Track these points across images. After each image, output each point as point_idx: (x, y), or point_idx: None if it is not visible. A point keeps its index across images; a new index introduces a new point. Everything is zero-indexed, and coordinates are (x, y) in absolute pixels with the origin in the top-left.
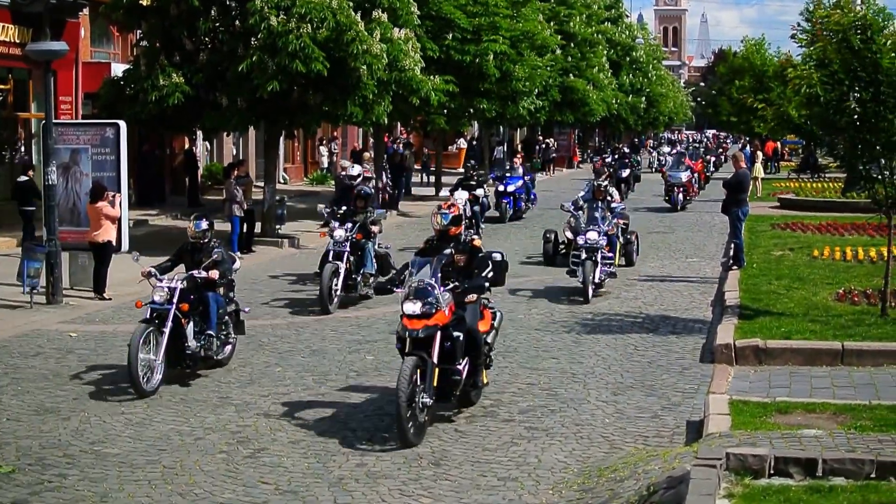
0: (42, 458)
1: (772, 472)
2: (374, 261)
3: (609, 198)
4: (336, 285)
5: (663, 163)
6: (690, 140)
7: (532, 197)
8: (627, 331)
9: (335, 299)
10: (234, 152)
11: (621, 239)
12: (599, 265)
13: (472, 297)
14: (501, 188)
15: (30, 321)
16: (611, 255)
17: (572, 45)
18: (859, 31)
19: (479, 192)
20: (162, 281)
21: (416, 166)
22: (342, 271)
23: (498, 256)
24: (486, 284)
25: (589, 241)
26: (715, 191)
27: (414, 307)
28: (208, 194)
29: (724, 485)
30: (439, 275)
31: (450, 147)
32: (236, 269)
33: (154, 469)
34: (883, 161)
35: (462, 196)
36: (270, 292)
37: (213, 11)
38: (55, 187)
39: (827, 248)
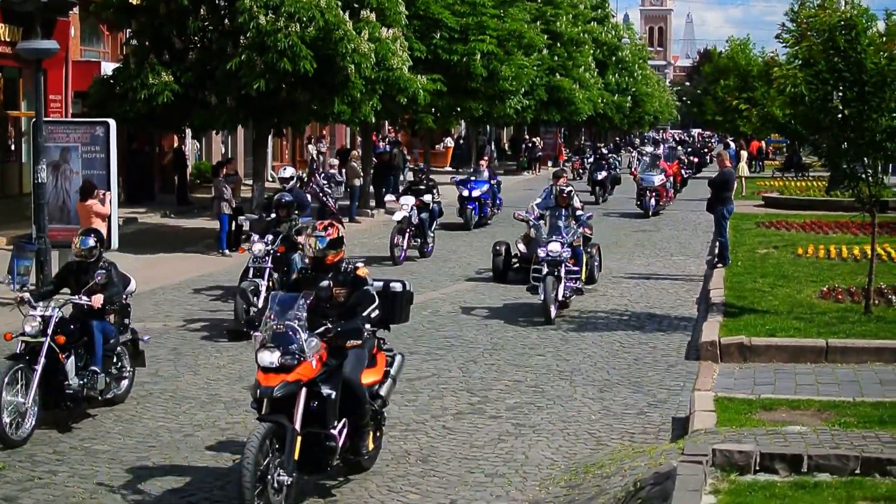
0: (32, 455)
1: (757, 468)
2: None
3: (573, 204)
4: (256, 305)
5: (635, 165)
6: (675, 139)
7: (498, 202)
8: (614, 328)
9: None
10: (223, 151)
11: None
12: (564, 281)
13: (354, 342)
14: (466, 193)
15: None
16: (576, 268)
17: (559, 44)
18: (845, 31)
19: (428, 197)
20: (35, 308)
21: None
22: (263, 290)
23: (398, 287)
24: (368, 326)
25: (551, 254)
26: (699, 190)
27: (271, 358)
28: (197, 192)
29: (710, 481)
30: (304, 314)
31: (437, 146)
32: (131, 292)
33: (143, 466)
34: (866, 160)
35: (408, 202)
36: None
37: (202, 10)
38: (45, 185)
39: (811, 246)
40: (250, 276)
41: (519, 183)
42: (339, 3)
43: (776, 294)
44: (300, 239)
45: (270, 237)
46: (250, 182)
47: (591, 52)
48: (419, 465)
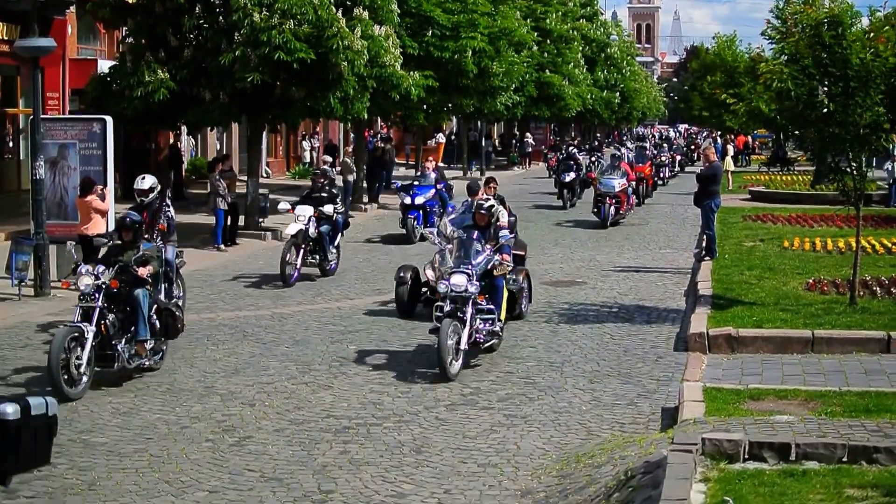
0: None
1: (746, 456)
2: (147, 321)
3: (497, 223)
4: (79, 360)
5: (593, 166)
6: (662, 136)
7: (449, 210)
8: (603, 320)
9: (81, 384)
10: (218, 147)
11: (510, 281)
12: (470, 324)
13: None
14: (408, 200)
15: (18, 313)
16: (490, 306)
17: (548, 41)
18: (830, 27)
19: (329, 208)
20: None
21: (397, 160)
22: (89, 338)
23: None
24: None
25: (454, 289)
26: (687, 184)
27: None
28: (193, 188)
29: (700, 469)
30: None
31: (429, 141)
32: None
33: (141, 457)
34: (851, 154)
35: (304, 213)
36: (253, 284)
37: (197, 8)
38: (43, 181)
39: (797, 238)
40: (76, 319)
41: (509, 178)
42: (332, 1)
43: (763, 286)
44: (143, 271)
45: (101, 268)
46: (245, 178)
47: (580, 48)
48: (413, 455)
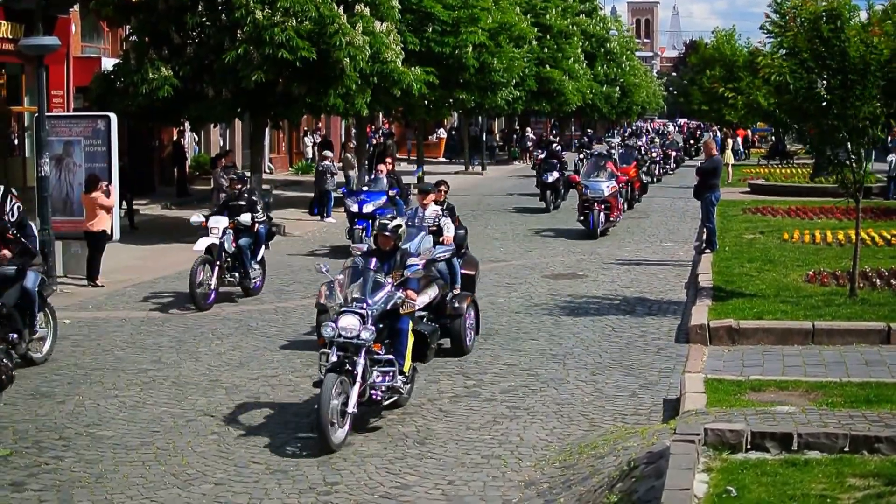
0: (38, 441)
1: (748, 446)
2: None
3: (403, 251)
4: None
5: (577, 167)
6: (658, 130)
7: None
8: (605, 313)
9: None
10: (221, 143)
11: (423, 321)
12: (362, 379)
13: None
14: (355, 208)
15: None
16: (390, 356)
17: (548, 36)
18: (829, 20)
19: (246, 217)
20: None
21: (398, 155)
22: None
23: None
24: None
25: (343, 334)
26: (687, 178)
27: None
28: (196, 184)
29: (702, 459)
30: None
31: (430, 137)
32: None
33: (148, 450)
34: (850, 146)
35: (218, 224)
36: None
37: (200, 6)
38: (48, 178)
39: (797, 231)
40: None
41: (507, 172)
42: None
43: (763, 278)
44: None
45: None
46: (248, 174)
47: (580, 43)
48: (417, 447)
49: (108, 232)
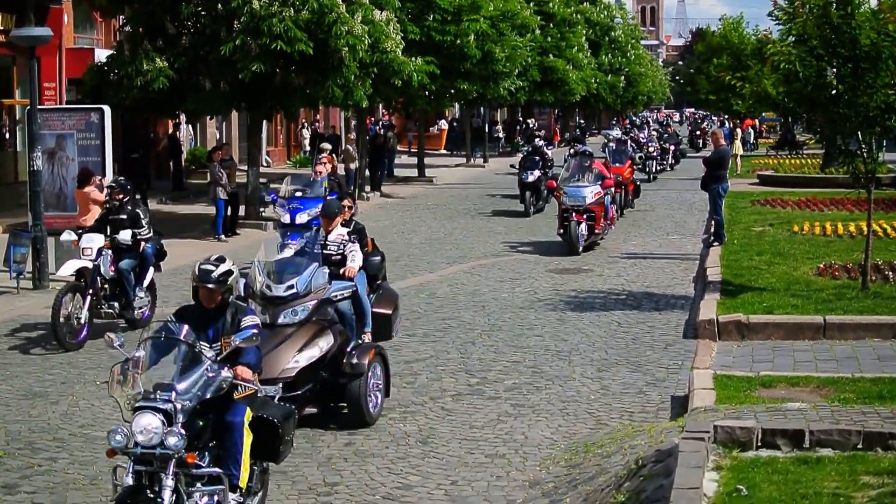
0: (32, 442)
1: (759, 444)
2: None
3: (231, 313)
4: None
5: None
6: (664, 121)
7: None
8: (611, 308)
9: None
10: (218, 136)
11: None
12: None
13: None
14: (286, 219)
15: (16, 306)
16: (216, 469)
17: (552, 25)
18: (839, 7)
19: (125, 234)
20: None
21: (399, 147)
22: None
23: None
24: None
25: (141, 441)
26: (694, 169)
27: None
28: (192, 178)
29: (712, 457)
30: None
31: (431, 128)
32: None
33: None
34: (861, 136)
35: (93, 244)
36: None
37: None
38: (41, 173)
39: (807, 223)
40: None
41: (505, 165)
42: None
43: (773, 271)
44: None
45: None
46: (245, 167)
47: (584, 32)
48: (419, 446)
49: None
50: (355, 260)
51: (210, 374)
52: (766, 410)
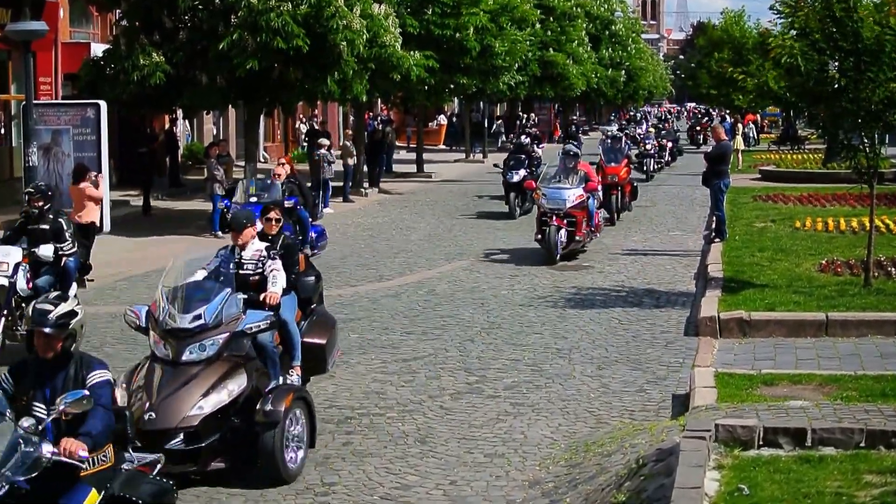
0: None
1: (761, 443)
2: None
3: (76, 367)
4: None
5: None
6: (663, 116)
7: (315, 241)
8: (611, 305)
9: None
10: (215, 132)
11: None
12: None
13: None
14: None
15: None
16: None
17: (551, 18)
18: (841, 0)
19: (47, 249)
20: None
21: (398, 143)
22: None
23: None
24: None
25: None
26: (694, 165)
27: None
28: (189, 174)
29: (713, 456)
30: None
31: (430, 123)
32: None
33: None
34: (863, 131)
35: (9, 258)
36: None
37: None
38: (36, 168)
39: (809, 219)
40: None
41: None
42: None
43: (775, 268)
44: None
45: None
46: (242, 163)
47: (584, 26)
48: (417, 445)
49: (98, 224)
50: (277, 282)
51: (27, 450)
52: (767, 409)
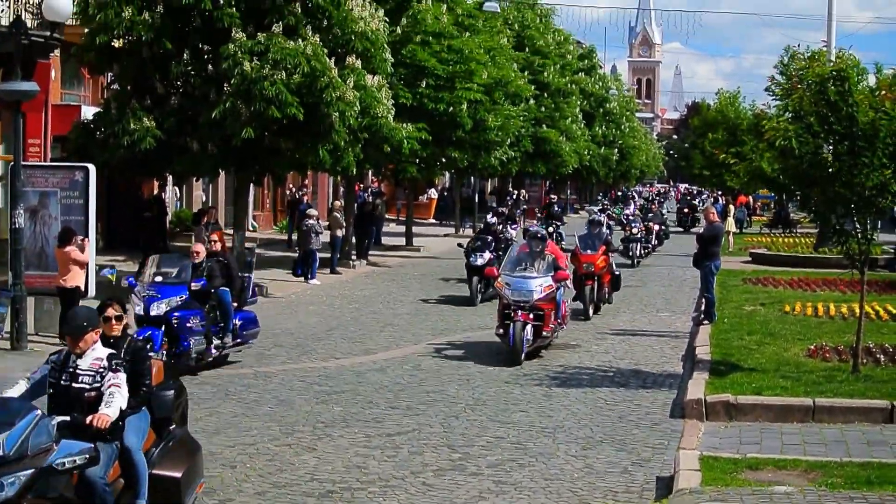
0: None
1: None
2: None
3: None
4: None
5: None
6: (650, 196)
7: (239, 331)
8: (598, 385)
9: None
10: (204, 199)
11: None
12: None
13: None
14: (139, 309)
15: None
16: None
17: (546, 95)
18: (836, 83)
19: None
20: None
21: (387, 215)
22: None
23: None
24: None
25: None
26: (685, 245)
27: None
28: (177, 240)
29: None
30: None
31: (421, 197)
32: None
33: None
34: (856, 216)
35: None
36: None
37: (185, 55)
38: (22, 231)
39: (798, 303)
40: None
41: None
42: (325, 51)
43: (763, 352)
44: None
45: None
46: (231, 231)
47: (579, 103)
48: None
49: (82, 288)
50: (113, 401)
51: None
52: (752, 493)
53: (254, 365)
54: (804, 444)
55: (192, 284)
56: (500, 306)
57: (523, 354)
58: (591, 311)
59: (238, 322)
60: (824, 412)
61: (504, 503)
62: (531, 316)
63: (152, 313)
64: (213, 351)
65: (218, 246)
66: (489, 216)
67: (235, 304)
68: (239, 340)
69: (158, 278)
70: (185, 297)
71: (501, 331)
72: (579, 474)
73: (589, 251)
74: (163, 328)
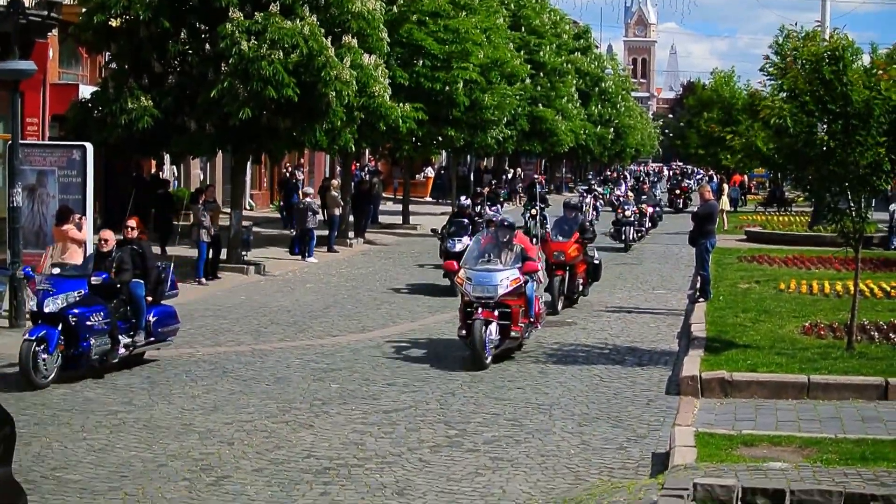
0: None
1: (739, 503)
2: None
3: None
4: None
5: (528, 228)
6: (640, 176)
7: (153, 327)
8: (594, 362)
9: None
10: (202, 178)
11: None
12: None
13: None
14: (31, 304)
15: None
16: None
17: (542, 74)
18: (831, 62)
19: None
20: None
21: (384, 194)
22: None
23: None
24: None
25: None
26: (680, 224)
27: None
28: (175, 219)
29: None
30: None
31: (417, 176)
32: None
33: (115, 496)
34: (850, 194)
35: None
36: (234, 319)
37: (182, 34)
38: (20, 209)
39: (793, 281)
40: None
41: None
42: (322, 30)
43: (758, 329)
44: None
45: None
46: (228, 210)
47: (574, 82)
48: (395, 498)
49: None
50: None
51: None
52: (747, 469)
53: (251, 343)
54: (799, 420)
55: (92, 278)
56: (462, 304)
57: (488, 358)
58: (559, 305)
59: (153, 318)
60: (819, 389)
61: (500, 479)
62: (496, 314)
63: (46, 310)
64: (122, 350)
65: (134, 233)
66: (462, 198)
67: (150, 299)
68: (153, 339)
69: (56, 270)
70: (83, 292)
71: (464, 332)
72: (575, 451)
73: (560, 238)
74: (59, 326)
